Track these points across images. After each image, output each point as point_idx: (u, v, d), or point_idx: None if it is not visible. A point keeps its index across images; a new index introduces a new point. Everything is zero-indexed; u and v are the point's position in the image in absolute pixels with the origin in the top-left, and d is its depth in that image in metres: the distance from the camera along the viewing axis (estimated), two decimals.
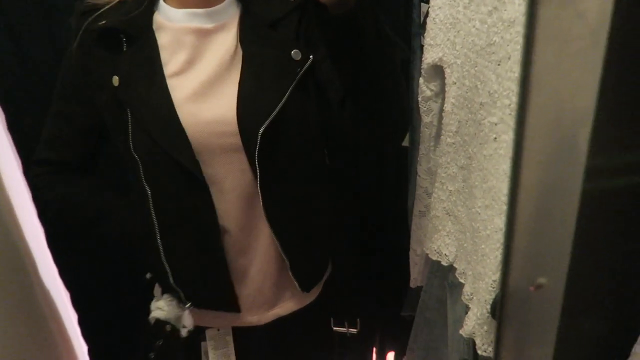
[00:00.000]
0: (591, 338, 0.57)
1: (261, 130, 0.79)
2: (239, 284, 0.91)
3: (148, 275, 0.94)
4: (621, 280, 0.49)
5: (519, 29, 0.63)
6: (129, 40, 0.81)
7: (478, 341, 0.76)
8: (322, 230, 0.96)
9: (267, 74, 0.81)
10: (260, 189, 0.83)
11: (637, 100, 0.40)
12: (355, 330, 1.06)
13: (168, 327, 0.88)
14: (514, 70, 0.64)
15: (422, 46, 1.20)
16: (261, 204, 0.84)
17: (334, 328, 1.07)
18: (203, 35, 0.82)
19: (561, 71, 0.34)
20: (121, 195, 0.94)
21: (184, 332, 0.89)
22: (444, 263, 0.96)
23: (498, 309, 0.53)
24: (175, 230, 0.87)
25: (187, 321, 0.90)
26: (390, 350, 1.71)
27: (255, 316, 0.94)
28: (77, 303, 0.64)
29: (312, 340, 1.05)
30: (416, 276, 1.15)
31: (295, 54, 0.81)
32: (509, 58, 0.65)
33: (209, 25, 0.82)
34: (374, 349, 1.71)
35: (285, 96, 0.80)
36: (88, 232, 0.97)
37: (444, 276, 1.07)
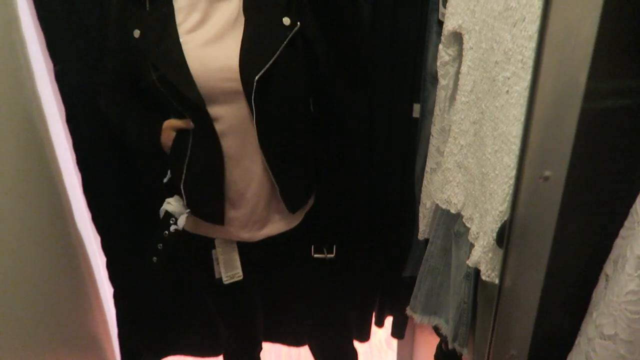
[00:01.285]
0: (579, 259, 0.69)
1: (257, 77, 0.99)
2: (237, 203, 1.13)
3: (167, 178, 1.17)
4: (610, 179, 0.60)
5: None
6: (151, 2, 1.02)
7: (483, 267, 0.88)
8: (306, 162, 1.19)
9: (263, 35, 1.01)
10: (255, 124, 1.04)
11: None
12: (332, 255, 1.30)
13: (172, 221, 1.13)
14: (528, 29, 0.75)
15: (438, 20, 1.32)
16: (256, 137, 1.05)
17: (314, 255, 1.30)
18: (213, 1, 1.02)
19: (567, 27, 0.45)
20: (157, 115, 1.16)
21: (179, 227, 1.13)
22: (452, 211, 1.07)
23: (507, 227, 0.65)
24: (189, 151, 1.08)
25: (181, 223, 1.13)
26: (389, 314, 1.83)
27: (249, 233, 1.17)
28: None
29: (295, 263, 1.31)
30: (424, 228, 1.26)
31: (286, 20, 1.00)
32: (524, 19, 0.76)
33: None
34: (374, 313, 1.83)
35: (277, 53, 1.00)
36: (128, 139, 1.21)
37: (450, 227, 1.19)
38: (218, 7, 1.02)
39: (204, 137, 1.06)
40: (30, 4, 1.25)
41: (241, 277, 1.22)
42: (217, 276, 1.22)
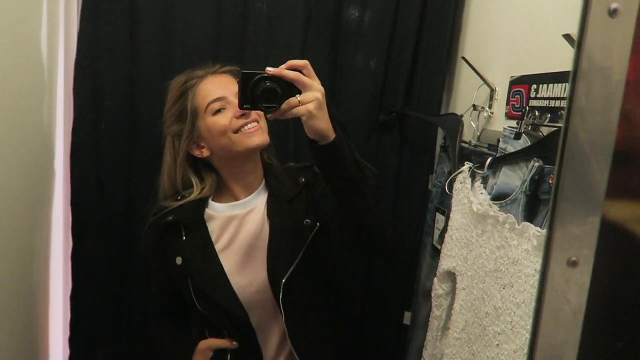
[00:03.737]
0: None
1: (283, 281, 1.06)
2: None
3: None
4: None
5: (521, 268, 0.86)
6: (187, 230, 1.12)
7: None
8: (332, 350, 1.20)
9: (286, 239, 1.09)
10: (285, 325, 1.08)
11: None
12: None
13: None
14: (515, 296, 0.86)
15: (432, 244, 1.45)
16: (288, 337, 1.08)
17: None
18: (240, 219, 1.12)
19: (556, 330, 0.55)
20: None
21: None
22: None
23: None
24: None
25: None
26: None
27: None
28: None
29: None
30: None
31: (306, 223, 1.09)
32: (512, 286, 0.87)
33: (243, 212, 1.13)
34: None
35: (300, 254, 1.07)
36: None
37: None
38: (245, 221, 1.12)
39: (246, 351, 1.11)
40: None
41: None
42: None
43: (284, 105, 0.86)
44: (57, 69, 1.45)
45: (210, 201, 1.14)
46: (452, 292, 1.14)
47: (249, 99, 0.89)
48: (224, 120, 1.06)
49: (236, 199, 1.13)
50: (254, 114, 1.05)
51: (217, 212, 1.13)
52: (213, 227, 1.12)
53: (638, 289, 0.57)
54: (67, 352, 1.53)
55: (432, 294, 1.18)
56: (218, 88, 1.07)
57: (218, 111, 1.06)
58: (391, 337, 1.64)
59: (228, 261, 1.10)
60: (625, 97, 0.52)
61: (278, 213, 1.11)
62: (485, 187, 1.08)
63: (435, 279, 1.17)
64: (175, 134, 1.11)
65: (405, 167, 1.60)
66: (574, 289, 0.54)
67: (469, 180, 1.11)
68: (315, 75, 0.88)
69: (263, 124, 1.08)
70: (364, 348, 1.65)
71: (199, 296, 1.09)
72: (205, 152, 1.10)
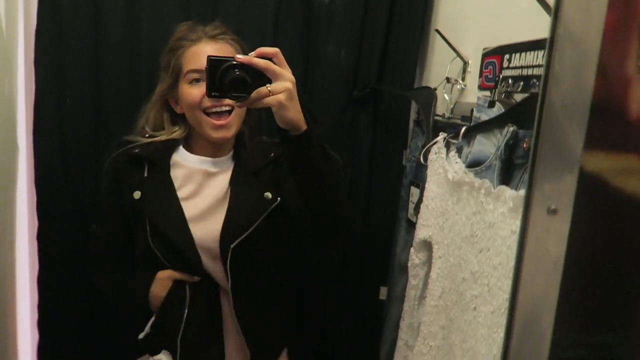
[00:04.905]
0: None
1: (232, 247, 1.07)
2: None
3: (144, 333, 1.15)
4: None
5: (497, 230, 0.87)
6: (150, 167, 1.12)
7: None
8: (279, 329, 1.21)
9: (245, 209, 1.10)
10: (230, 290, 1.10)
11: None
12: None
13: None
14: (493, 260, 0.87)
15: (407, 218, 1.46)
16: (231, 302, 1.10)
17: None
18: (208, 176, 1.13)
19: (536, 280, 0.55)
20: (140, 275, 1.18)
21: None
22: None
23: None
24: (187, 305, 1.11)
25: None
26: None
27: None
28: None
29: None
30: None
31: (267, 196, 1.11)
32: (489, 249, 0.88)
33: (213, 170, 1.14)
34: None
35: (254, 225, 1.09)
36: (114, 295, 1.25)
37: None
38: (211, 180, 1.13)
39: (204, 290, 1.11)
40: None
41: None
42: None
43: (253, 95, 0.85)
44: (17, 39, 1.38)
45: (180, 148, 1.15)
46: (429, 261, 1.15)
47: (217, 86, 0.87)
48: (196, 93, 1.05)
49: (205, 156, 1.14)
50: (227, 102, 1.04)
51: (185, 161, 1.14)
52: (177, 174, 1.13)
53: (616, 237, 0.58)
54: (36, 336, 1.48)
55: (409, 264, 1.18)
56: (204, 58, 1.04)
57: (196, 81, 1.06)
58: (368, 313, 1.65)
59: (188, 211, 1.10)
60: (601, 51, 0.53)
61: (242, 183, 1.13)
62: (460, 157, 1.08)
63: (412, 249, 1.18)
64: (161, 78, 1.13)
65: (379, 143, 1.60)
66: (554, 238, 0.55)
67: (443, 150, 1.12)
68: (286, 64, 0.87)
69: (235, 116, 1.09)
70: (341, 325, 1.65)
71: (155, 237, 1.08)
72: (180, 110, 1.12)
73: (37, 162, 1.40)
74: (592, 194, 0.58)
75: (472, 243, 0.94)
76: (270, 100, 0.84)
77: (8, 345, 1.41)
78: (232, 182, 1.13)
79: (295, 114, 0.86)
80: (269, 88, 0.84)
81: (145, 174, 1.12)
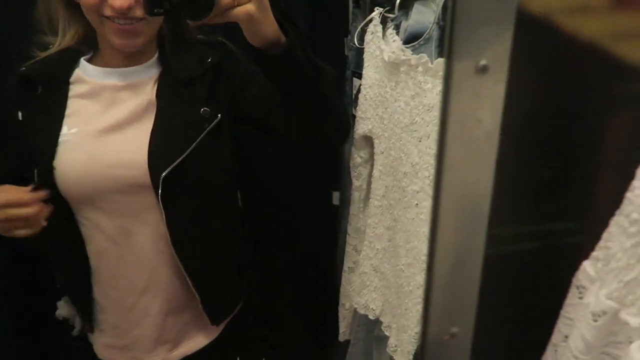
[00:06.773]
0: None
1: (163, 175, 0.85)
2: (137, 326, 0.95)
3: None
4: (520, 329, 0.58)
5: (436, 114, 0.74)
6: (44, 87, 0.90)
7: None
8: (232, 266, 1.03)
9: (175, 128, 0.89)
10: (167, 227, 0.88)
11: (525, 186, 0.50)
12: None
13: (71, 322, 1.00)
14: (433, 147, 0.75)
15: (353, 116, 1.32)
16: (168, 241, 0.89)
17: None
18: (116, 90, 0.90)
19: (466, 160, 0.43)
20: None
21: (75, 332, 1.01)
22: (370, 317, 1.02)
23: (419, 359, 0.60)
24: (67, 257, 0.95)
25: (78, 327, 1.01)
26: None
27: (158, 356, 0.97)
28: None
29: None
30: (345, 330, 1.20)
31: (204, 111, 0.90)
32: (429, 137, 0.76)
33: (121, 83, 0.90)
34: None
35: (190, 148, 0.88)
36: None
37: (370, 329, 1.13)
38: (121, 95, 0.90)
39: (67, 233, 0.92)
40: None
41: None
42: None
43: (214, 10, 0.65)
44: None
45: (82, 60, 0.92)
46: (371, 158, 1.03)
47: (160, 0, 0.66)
48: None
49: (110, 66, 0.91)
50: (140, 12, 0.79)
51: (89, 75, 0.91)
52: (81, 92, 0.91)
53: (566, 97, 0.45)
54: None
55: (351, 164, 1.07)
56: None
57: None
58: (322, 220, 1.57)
59: (81, 134, 0.88)
60: None
61: (170, 96, 0.90)
62: (398, 34, 0.93)
63: (353, 148, 1.05)
64: None
65: (319, 32, 1.41)
66: (486, 104, 0.42)
67: (379, 28, 0.96)
68: None
69: (149, 27, 0.85)
70: (296, 234, 1.57)
71: (41, 175, 0.87)
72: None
73: None
74: (535, 44, 0.45)
75: (412, 132, 0.82)
76: (237, 13, 0.66)
77: None
78: (158, 95, 0.90)
79: (269, 26, 0.68)
80: None
81: (39, 90, 0.90)
